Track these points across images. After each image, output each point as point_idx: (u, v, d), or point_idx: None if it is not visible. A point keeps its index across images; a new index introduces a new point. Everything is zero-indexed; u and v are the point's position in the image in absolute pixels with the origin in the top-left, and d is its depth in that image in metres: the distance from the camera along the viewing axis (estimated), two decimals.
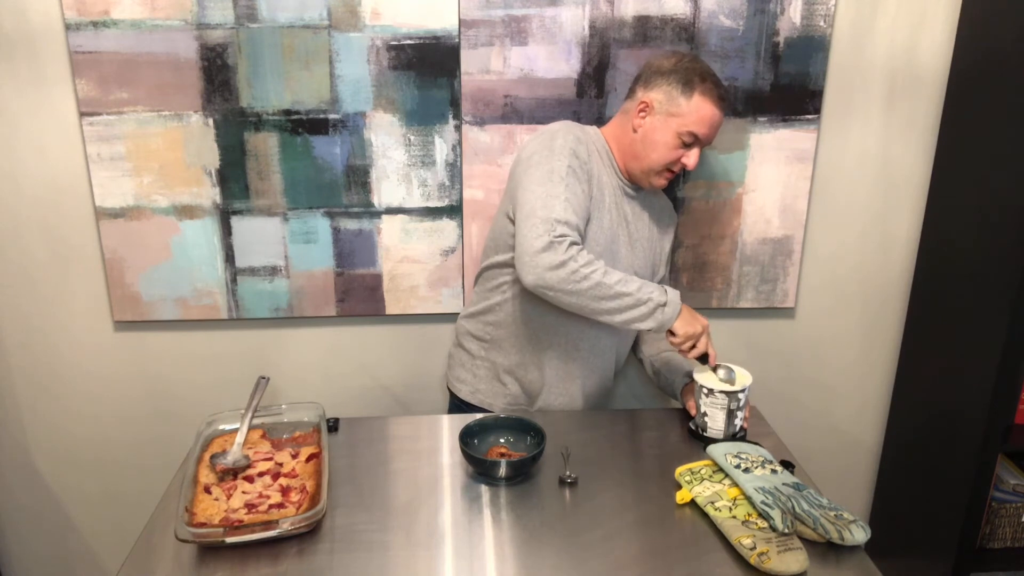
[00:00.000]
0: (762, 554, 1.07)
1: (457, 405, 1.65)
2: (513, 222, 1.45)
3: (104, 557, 1.99)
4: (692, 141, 1.43)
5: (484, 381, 1.60)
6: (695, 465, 1.30)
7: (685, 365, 1.58)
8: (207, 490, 1.23)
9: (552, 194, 1.34)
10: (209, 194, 1.69)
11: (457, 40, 1.62)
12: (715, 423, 1.41)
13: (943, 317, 1.74)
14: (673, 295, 1.39)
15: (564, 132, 1.42)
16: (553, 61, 1.65)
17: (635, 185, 1.53)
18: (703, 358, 1.43)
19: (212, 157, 1.66)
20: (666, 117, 1.42)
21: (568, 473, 1.30)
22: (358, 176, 1.70)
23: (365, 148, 1.68)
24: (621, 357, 1.65)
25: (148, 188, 1.67)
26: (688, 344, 1.41)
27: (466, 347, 1.62)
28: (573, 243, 1.32)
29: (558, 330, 1.52)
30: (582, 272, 1.31)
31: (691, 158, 1.44)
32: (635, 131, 1.45)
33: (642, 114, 1.44)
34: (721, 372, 1.42)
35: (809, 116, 1.72)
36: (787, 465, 1.29)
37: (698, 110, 1.40)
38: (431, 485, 1.29)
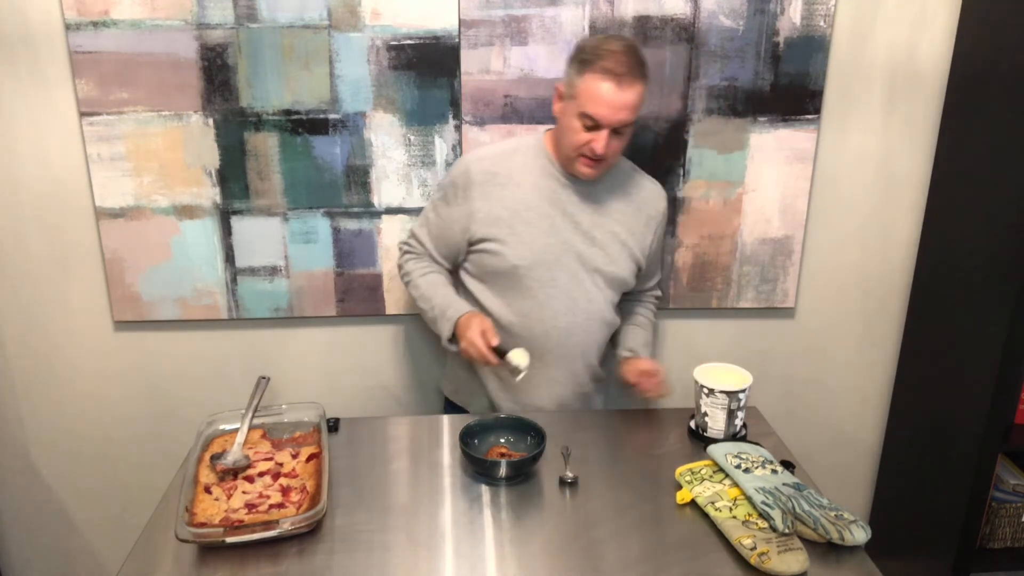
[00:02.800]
0: (762, 554, 1.07)
1: (446, 402, 1.68)
2: None
3: (104, 556, 1.99)
4: (592, 124, 1.35)
5: (463, 381, 1.61)
6: (695, 465, 1.30)
7: (624, 346, 1.58)
8: (207, 490, 1.23)
9: (423, 213, 1.58)
10: (209, 194, 1.69)
11: (457, 40, 1.62)
12: (715, 423, 1.41)
13: (943, 317, 1.74)
14: (445, 324, 1.46)
15: (460, 163, 1.49)
16: (553, 61, 1.64)
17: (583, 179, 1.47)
18: (502, 355, 1.40)
19: (212, 157, 1.66)
20: (568, 101, 1.39)
21: (568, 473, 1.30)
22: (358, 176, 1.70)
23: (365, 148, 1.68)
24: (591, 360, 1.58)
25: (148, 188, 1.67)
26: (472, 352, 1.40)
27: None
28: (408, 252, 1.60)
29: (520, 334, 1.49)
30: (404, 279, 1.60)
31: (598, 142, 1.36)
32: (556, 119, 1.44)
33: (558, 101, 1.43)
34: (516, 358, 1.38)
35: (809, 116, 1.72)
36: (787, 465, 1.29)
37: (587, 90, 1.34)
38: (431, 485, 1.29)
